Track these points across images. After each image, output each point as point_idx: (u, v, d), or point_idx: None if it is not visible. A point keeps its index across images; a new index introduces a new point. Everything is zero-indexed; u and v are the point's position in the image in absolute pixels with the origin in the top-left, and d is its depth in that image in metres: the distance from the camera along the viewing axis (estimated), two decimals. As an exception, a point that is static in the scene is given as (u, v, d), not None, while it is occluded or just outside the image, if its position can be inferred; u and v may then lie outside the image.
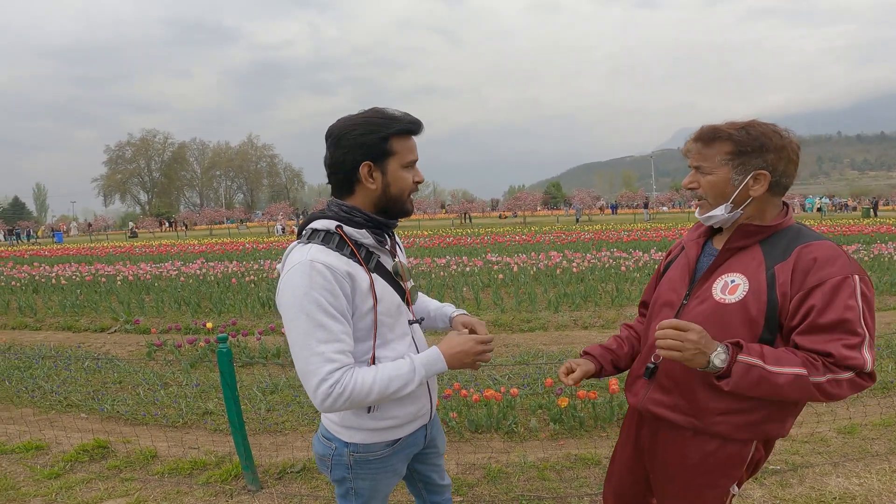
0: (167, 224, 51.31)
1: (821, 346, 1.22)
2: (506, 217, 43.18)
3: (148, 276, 10.62)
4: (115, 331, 6.96)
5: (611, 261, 10.28)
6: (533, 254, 11.48)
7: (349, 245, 1.32)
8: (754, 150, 1.27)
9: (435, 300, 1.71)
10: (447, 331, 1.57)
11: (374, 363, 1.35)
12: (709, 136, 1.31)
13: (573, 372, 1.56)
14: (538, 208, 44.67)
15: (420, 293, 1.68)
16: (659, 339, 1.26)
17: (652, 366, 1.46)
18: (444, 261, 10.88)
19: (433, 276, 9.59)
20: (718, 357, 1.23)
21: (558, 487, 2.79)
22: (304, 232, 1.37)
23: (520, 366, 4.68)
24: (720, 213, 1.33)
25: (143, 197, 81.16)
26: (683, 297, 1.42)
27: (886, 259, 9.91)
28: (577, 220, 32.30)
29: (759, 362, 1.21)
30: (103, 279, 10.66)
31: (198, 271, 10.80)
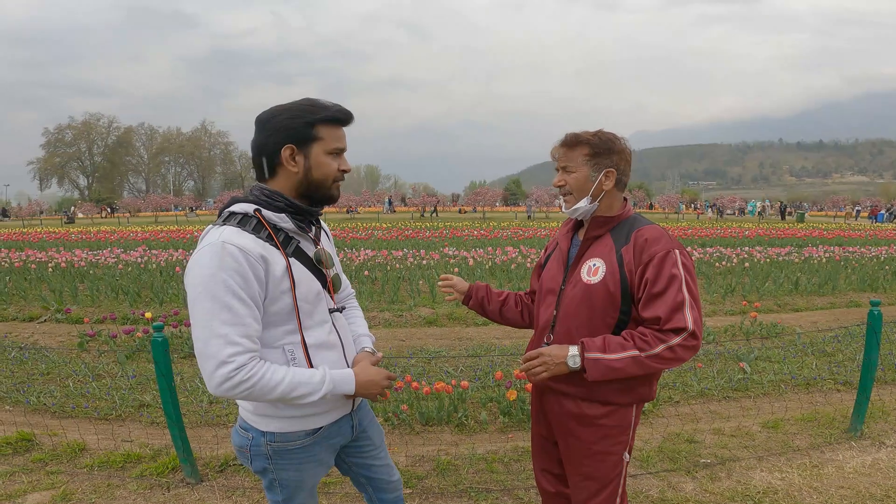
0: (109, 210, 48.24)
1: (652, 312, 1.45)
2: (465, 212, 43.41)
3: (83, 263, 9.98)
4: (45, 320, 6.51)
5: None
6: (490, 248, 11.58)
7: (266, 228, 1.30)
8: (604, 151, 1.55)
9: (363, 326, 1.62)
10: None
11: (304, 346, 1.33)
12: (572, 142, 1.57)
13: (450, 281, 1.90)
14: (498, 204, 45.08)
15: (359, 314, 1.63)
16: (527, 373, 1.54)
17: (546, 345, 1.65)
18: (400, 253, 10.81)
19: (389, 268, 9.50)
20: (573, 360, 1.48)
21: (506, 480, 2.81)
22: (221, 214, 1.33)
23: (472, 358, 4.69)
24: (583, 205, 1.58)
25: (83, 181, 76.07)
26: (561, 283, 1.65)
27: (815, 262, 10.61)
28: (529, 217, 33.22)
29: (600, 355, 1.45)
30: (33, 265, 9.95)
31: (139, 259, 10.25)
